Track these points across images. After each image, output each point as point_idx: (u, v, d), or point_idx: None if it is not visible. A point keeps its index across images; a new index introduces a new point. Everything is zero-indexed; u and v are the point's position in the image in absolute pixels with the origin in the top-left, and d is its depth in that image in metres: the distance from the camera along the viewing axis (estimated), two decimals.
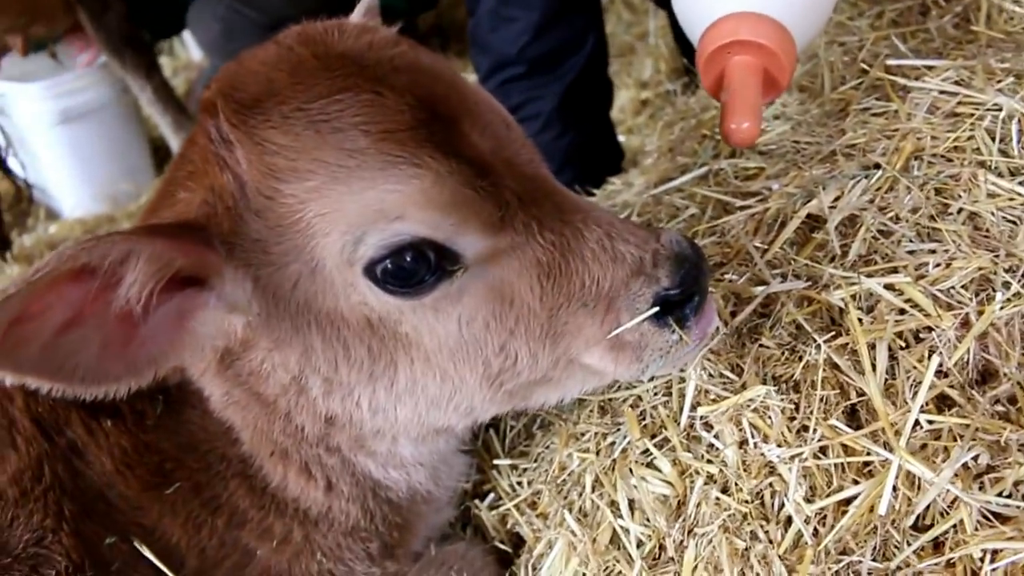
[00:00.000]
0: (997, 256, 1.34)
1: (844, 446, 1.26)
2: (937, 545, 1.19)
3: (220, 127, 1.17)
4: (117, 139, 4.83)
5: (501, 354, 1.24)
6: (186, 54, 6.30)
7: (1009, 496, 1.17)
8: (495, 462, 1.65)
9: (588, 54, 2.76)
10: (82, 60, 4.52)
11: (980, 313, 1.29)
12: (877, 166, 1.58)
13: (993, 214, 1.42)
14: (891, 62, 1.82)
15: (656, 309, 1.25)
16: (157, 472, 1.37)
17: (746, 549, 1.27)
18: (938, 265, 1.37)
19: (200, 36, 4.51)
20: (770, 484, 1.29)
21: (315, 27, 1.26)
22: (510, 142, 1.25)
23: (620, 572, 1.37)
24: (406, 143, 1.12)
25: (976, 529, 1.15)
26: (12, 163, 4.21)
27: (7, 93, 4.52)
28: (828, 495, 1.24)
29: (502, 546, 1.61)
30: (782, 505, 1.27)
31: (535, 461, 1.60)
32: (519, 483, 1.59)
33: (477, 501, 1.65)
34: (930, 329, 1.31)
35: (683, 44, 3.51)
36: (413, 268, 1.16)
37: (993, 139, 1.53)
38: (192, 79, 5.80)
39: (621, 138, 3.15)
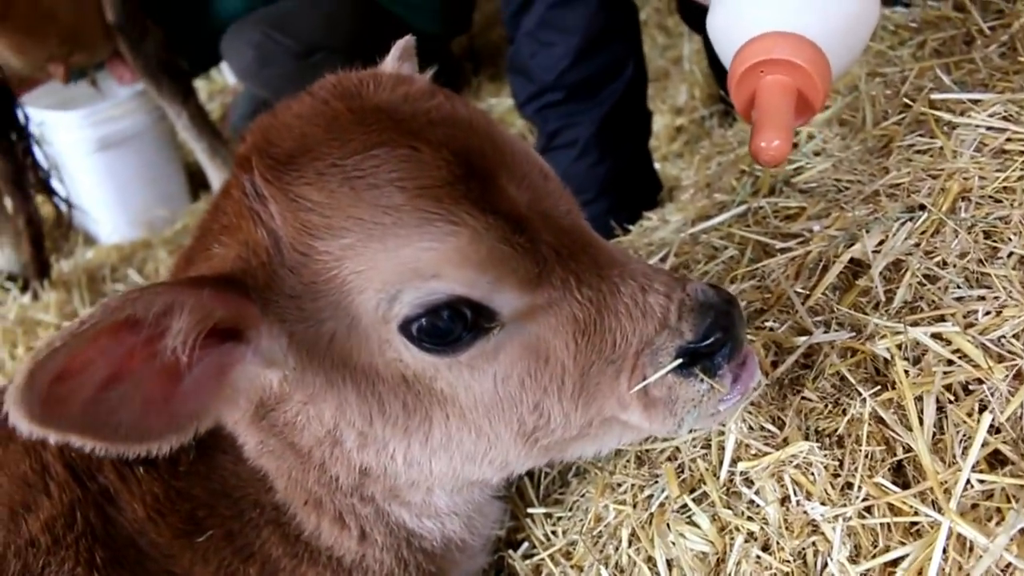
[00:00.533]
0: None
1: (890, 505, 1.22)
2: None
3: (255, 183, 1.16)
4: (153, 165, 4.90)
5: (535, 412, 1.22)
6: (222, 78, 6.37)
7: None
8: (529, 510, 1.62)
9: (627, 81, 2.74)
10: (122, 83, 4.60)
11: None
12: (922, 207, 1.54)
13: None
14: (935, 96, 1.77)
15: (679, 362, 1.21)
16: (189, 519, 1.36)
17: None
18: (988, 313, 1.32)
19: (234, 63, 4.56)
20: (813, 543, 1.25)
21: (350, 78, 1.25)
22: (547, 194, 1.23)
23: None
24: (442, 200, 1.10)
25: None
26: (56, 187, 4.28)
27: (47, 121, 4.59)
28: (874, 556, 1.20)
29: None
30: (825, 565, 1.23)
31: (570, 510, 1.57)
32: (553, 532, 1.56)
33: (511, 551, 1.62)
34: (980, 381, 1.26)
35: (718, 71, 3.47)
36: (449, 327, 1.14)
37: None
38: (227, 103, 5.87)
39: (656, 165, 3.12)
